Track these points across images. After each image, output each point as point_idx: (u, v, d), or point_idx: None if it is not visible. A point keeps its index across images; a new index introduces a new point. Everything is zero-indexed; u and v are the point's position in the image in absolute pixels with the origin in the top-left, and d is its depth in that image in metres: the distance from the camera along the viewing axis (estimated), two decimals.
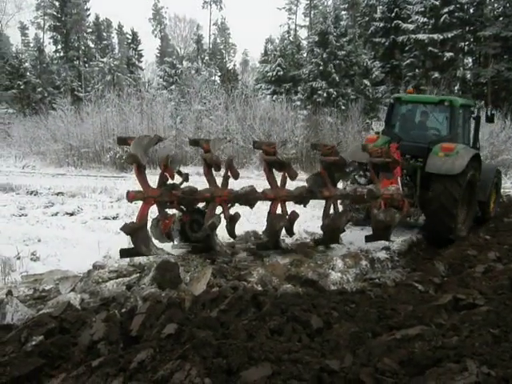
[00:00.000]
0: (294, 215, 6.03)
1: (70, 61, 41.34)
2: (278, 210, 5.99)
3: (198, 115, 21.75)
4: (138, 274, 4.37)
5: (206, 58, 43.41)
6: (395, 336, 3.28)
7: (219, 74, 40.91)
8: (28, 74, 37.42)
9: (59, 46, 43.02)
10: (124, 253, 4.89)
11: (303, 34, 41.86)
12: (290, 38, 36.78)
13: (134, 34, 45.30)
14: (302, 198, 6.01)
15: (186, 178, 5.41)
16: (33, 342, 2.82)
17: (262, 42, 62.16)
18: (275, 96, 28.01)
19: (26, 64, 39.49)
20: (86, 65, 40.51)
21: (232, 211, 5.68)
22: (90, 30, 44.67)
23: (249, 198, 5.56)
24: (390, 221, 6.27)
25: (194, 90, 24.36)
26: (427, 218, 7.74)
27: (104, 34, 45.90)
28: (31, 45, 46.39)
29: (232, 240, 6.12)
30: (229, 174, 5.54)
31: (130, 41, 45.23)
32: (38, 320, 3.08)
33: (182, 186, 5.35)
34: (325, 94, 27.88)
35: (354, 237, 7.04)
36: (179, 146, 19.69)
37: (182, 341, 2.90)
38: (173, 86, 31.01)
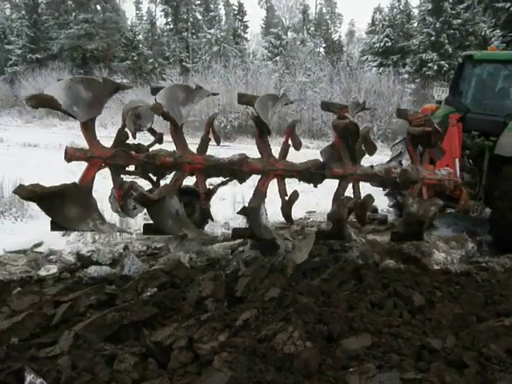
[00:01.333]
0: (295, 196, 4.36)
1: (179, 32, 42.80)
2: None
3: (302, 87, 21.64)
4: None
5: (312, 28, 42.70)
6: (503, 323, 3.14)
7: (324, 45, 40.09)
8: (141, 46, 39.36)
9: (169, 19, 44.63)
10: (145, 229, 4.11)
11: (414, 2, 39.62)
12: (400, 6, 34.86)
13: (240, 6, 45.65)
14: (309, 174, 4.36)
15: (159, 138, 4.22)
16: (148, 293, 3.10)
17: (370, 12, 59.76)
18: (382, 68, 26.98)
19: (140, 36, 41.57)
20: (194, 36, 41.69)
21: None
22: (198, 2, 45.77)
23: (234, 169, 4.07)
24: (423, 215, 4.62)
25: (299, 61, 24.19)
26: (494, 215, 5.61)
27: (211, 5, 46.79)
28: (144, 18, 48.60)
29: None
30: (289, 142, 4.39)
31: (236, 12, 45.73)
32: (152, 274, 3.36)
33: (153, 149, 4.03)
34: (435, 67, 26.31)
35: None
36: (282, 117, 19.77)
37: (285, 305, 3.02)
38: (277, 58, 31.02)
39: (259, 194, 4.20)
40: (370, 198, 4.48)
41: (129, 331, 2.71)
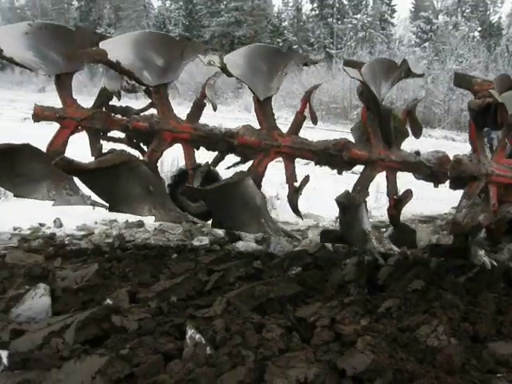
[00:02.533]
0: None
1: (324, 18, 42.67)
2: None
3: (452, 75, 20.25)
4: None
5: (467, 10, 39.55)
6: None
7: (479, 28, 36.95)
8: (286, 32, 40.10)
9: (315, 4, 44.68)
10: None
11: None
12: None
13: None
14: (327, 156, 3.34)
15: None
16: (293, 271, 3.26)
17: None
18: None
19: (285, 23, 42.35)
20: (339, 22, 41.25)
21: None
22: None
23: (226, 140, 3.37)
24: (467, 224, 3.23)
25: (450, 47, 22.67)
26: None
27: None
28: (290, 4, 49.28)
29: None
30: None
31: None
32: (297, 254, 3.50)
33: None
34: None
35: None
36: (428, 107, 18.79)
37: (429, 298, 2.96)
38: (426, 43, 29.39)
39: (361, 186, 3.32)
40: (409, 193, 3.51)
41: (274, 304, 2.88)
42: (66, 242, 3.87)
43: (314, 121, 3.49)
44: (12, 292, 2.89)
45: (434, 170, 3.44)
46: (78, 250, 3.72)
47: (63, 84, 3.26)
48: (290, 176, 3.43)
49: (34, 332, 2.44)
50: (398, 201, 3.48)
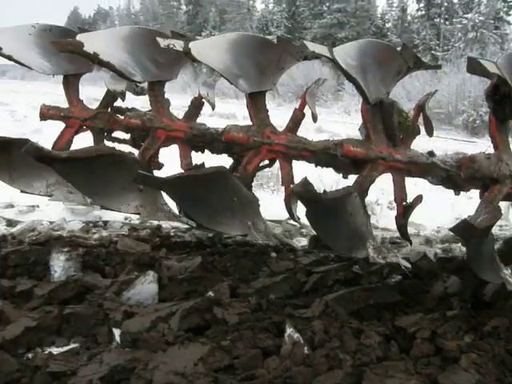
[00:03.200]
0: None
1: (431, 19, 40.86)
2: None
3: None
4: None
5: None
6: None
7: None
8: (389, 33, 38.99)
9: (421, 4, 42.94)
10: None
11: None
12: None
13: None
14: (327, 157, 3.02)
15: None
16: (392, 279, 3.19)
17: None
18: None
19: (389, 24, 41.18)
20: (447, 22, 39.30)
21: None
22: None
23: (210, 140, 3.20)
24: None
25: None
26: None
27: None
28: (395, 5, 47.82)
29: None
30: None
31: None
32: (396, 262, 3.41)
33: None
34: None
35: None
36: None
37: None
38: None
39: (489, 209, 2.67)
40: (419, 200, 3.11)
41: (372, 311, 2.84)
42: (171, 234, 4.10)
43: (429, 132, 3.20)
44: (123, 277, 3.12)
45: (452, 174, 2.91)
46: (182, 242, 3.92)
47: (70, 84, 3.34)
48: (285, 177, 3.14)
49: (142, 315, 2.62)
50: (406, 208, 3.12)
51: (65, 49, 2.84)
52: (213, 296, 2.79)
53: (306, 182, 2.51)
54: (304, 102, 3.16)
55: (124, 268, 3.33)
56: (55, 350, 2.37)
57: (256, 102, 3.05)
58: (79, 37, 2.85)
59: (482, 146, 12.09)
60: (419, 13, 43.18)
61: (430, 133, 3.20)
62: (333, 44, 34.55)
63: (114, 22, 65.05)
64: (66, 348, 2.41)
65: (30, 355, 2.32)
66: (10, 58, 3.05)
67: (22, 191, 3.54)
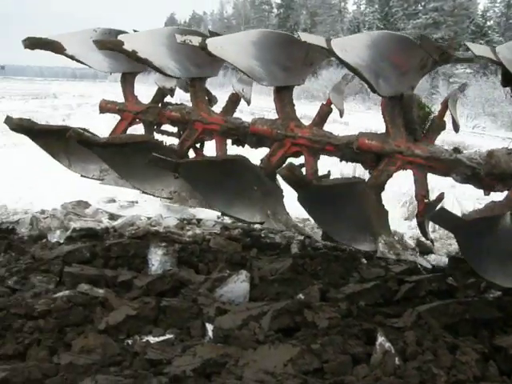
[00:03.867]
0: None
1: None
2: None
3: None
4: None
5: None
6: None
7: None
8: (490, 32, 36.68)
9: None
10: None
11: None
12: None
13: None
14: (351, 152, 2.97)
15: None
16: (491, 294, 3.02)
17: None
18: None
19: (491, 22, 38.75)
20: None
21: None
22: None
23: (243, 133, 3.35)
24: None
25: None
26: None
27: None
28: (498, 1, 44.87)
29: None
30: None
31: None
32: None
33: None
34: None
35: None
36: None
37: None
38: None
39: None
40: (442, 197, 2.89)
41: (467, 326, 2.71)
42: (262, 235, 4.17)
43: (456, 128, 3.03)
44: (216, 274, 3.24)
45: (478, 172, 2.75)
46: (273, 243, 3.98)
47: (127, 82, 3.75)
48: (309, 170, 3.16)
49: (234, 313, 2.71)
50: (427, 205, 2.90)
51: (105, 47, 3.20)
52: (303, 299, 2.82)
53: (291, 166, 2.59)
54: (330, 101, 3.18)
55: (216, 265, 3.45)
56: (152, 339, 2.51)
57: (282, 96, 3.12)
58: (120, 36, 3.17)
59: None
60: None
61: (456, 129, 3.03)
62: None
63: (208, 27, 67.28)
64: (162, 338, 2.55)
65: (129, 341, 2.49)
66: (72, 57, 3.50)
67: (81, 176, 4.08)
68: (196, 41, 2.90)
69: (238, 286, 3.00)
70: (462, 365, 2.22)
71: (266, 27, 53.47)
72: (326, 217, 2.99)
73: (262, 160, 3.28)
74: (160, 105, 3.94)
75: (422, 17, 36.48)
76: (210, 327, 2.65)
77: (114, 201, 5.30)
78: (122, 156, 3.45)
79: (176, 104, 3.88)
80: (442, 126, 2.94)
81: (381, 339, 2.33)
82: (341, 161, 3.26)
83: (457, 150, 2.93)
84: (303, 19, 52.04)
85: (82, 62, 3.61)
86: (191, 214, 4.79)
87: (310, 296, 2.85)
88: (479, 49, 2.40)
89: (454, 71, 29.62)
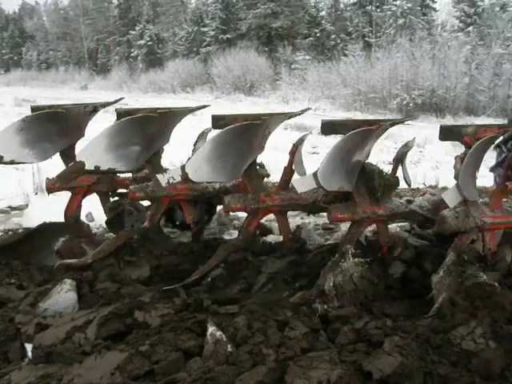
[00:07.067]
0: None
1: (363, 6, 41.61)
2: None
3: (498, 60, 19.42)
4: None
5: None
6: None
7: None
8: (323, 22, 39.37)
9: None
10: None
11: None
12: None
13: None
14: (318, 208, 3.42)
15: None
16: None
17: None
18: None
19: (323, 13, 41.60)
20: (378, 9, 40.21)
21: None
22: None
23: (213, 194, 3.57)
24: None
25: (497, 30, 21.74)
26: None
27: None
28: None
29: None
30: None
31: None
32: None
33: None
34: None
35: None
36: (471, 94, 18.11)
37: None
38: (470, 28, 28.29)
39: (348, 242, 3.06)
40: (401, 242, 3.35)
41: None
42: None
43: (408, 183, 3.39)
44: (37, 288, 2.93)
45: (429, 217, 3.23)
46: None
47: (68, 156, 3.55)
48: (282, 228, 3.44)
49: (57, 326, 2.45)
50: (390, 248, 3.29)
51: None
52: (134, 299, 2.65)
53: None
54: (292, 159, 3.27)
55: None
56: None
57: (248, 173, 3.18)
58: (78, 156, 2.93)
59: (417, 127, 12.45)
60: (351, 1, 43.98)
61: (408, 183, 3.40)
62: (268, 34, 34.24)
63: (43, 18, 62.17)
64: None
65: None
66: (12, 162, 3.21)
67: None
68: (177, 175, 3.05)
69: (62, 296, 2.73)
70: (289, 340, 2.26)
71: (106, 19, 51.15)
72: None
73: (239, 231, 3.42)
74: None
75: (261, 7, 37.81)
76: (29, 347, 2.37)
77: None
78: None
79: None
80: (397, 183, 3.19)
81: (211, 329, 2.28)
82: (308, 214, 3.90)
83: (409, 201, 3.28)
84: (146, 10, 50.68)
85: (21, 163, 3.42)
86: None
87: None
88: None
89: (294, 58, 31.26)
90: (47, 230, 3.68)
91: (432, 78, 18.60)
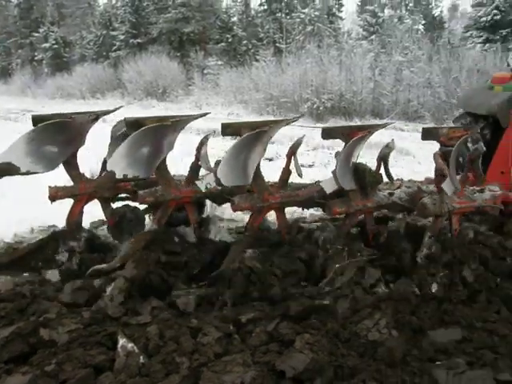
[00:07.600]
0: None
1: (273, 13, 42.64)
2: None
3: (399, 67, 20.71)
4: None
5: (411, 4, 40.63)
6: None
7: (423, 22, 37.97)
8: (235, 27, 39.79)
9: (264, 0, 44.66)
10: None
11: None
12: None
13: None
14: (313, 203, 3.87)
15: None
16: None
17: None
18: (487, 45, 25.01)
19: (234, 18, 42.05)
20: (288, 17, 41.37)
21: None
22: None
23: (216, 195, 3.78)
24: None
25: (396, 39, 23.19)
26: None
27: None
28: (238, 0, 49.02)
29: None
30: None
31: None
32: None
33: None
34: None
35: None
36: (376, 98, 19.15)
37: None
38: (373, 36, 29.94)
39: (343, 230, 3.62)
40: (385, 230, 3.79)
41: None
42: None
43: (390, 179, 3.87)
44: None
45: (407, 207, 3.80)
46: None
47: (71, 164, 3.59)
48: (281, 223, 3.69)
49: None
50: (375, 235, 3.73)
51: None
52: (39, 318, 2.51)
53: None
54: (289, 159, 3.59)
55: None
56: None
57: (255, 175, 3.37)
58: (108, 167, 3.15)
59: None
60: (262, 7, 44.84)
61: (390, 179, 3.88)
62: (180, 39, 33.92)
63: None
64: None
65: None
66: (28, 173, 3.24)
67: None
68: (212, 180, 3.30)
69: None
70: (202, 347, 2.25)
71: (5, 18, 48.06)
72: None
73: (245, 228, 3.69)
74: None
75: (172, 11, 37.43)
76: None
77: None
78: None
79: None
80: (381, 179, 3.61)
81: (122, 341, 2.21)
82: (303, 209, 4.39)
83: (391, 194, 3.76)
84: (50, 11, 48.23)
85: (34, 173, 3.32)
86: None
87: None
88: None
89: (206, 63, 31.25)
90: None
91: (340, 82, 19.39)
